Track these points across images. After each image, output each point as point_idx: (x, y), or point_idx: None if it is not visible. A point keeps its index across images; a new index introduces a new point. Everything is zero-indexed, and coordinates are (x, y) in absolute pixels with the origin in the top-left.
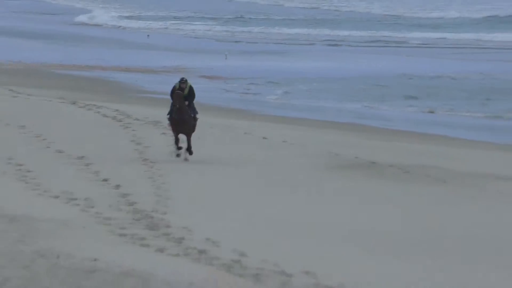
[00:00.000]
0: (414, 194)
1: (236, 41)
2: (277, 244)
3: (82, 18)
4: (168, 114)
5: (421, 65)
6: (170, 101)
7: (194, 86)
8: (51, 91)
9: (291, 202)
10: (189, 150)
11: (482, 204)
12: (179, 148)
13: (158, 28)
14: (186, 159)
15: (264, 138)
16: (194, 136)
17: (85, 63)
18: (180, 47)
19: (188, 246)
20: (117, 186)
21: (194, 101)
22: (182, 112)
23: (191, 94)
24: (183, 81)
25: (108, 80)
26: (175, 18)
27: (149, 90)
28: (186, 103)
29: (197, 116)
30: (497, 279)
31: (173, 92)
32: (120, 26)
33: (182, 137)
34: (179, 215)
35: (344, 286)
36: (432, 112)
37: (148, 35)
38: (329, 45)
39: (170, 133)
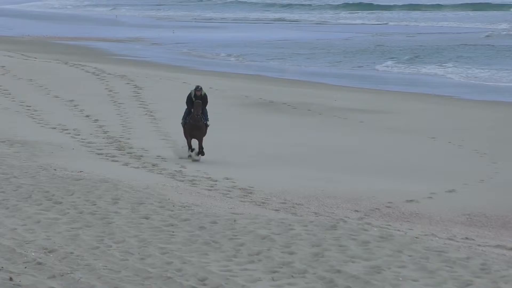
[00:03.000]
0: (300, 123)
1: (183, 20)
2: (207, 160)
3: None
4: (182, 120)
5: (305, 35)
6: (185, 107)
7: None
8: (50, 55)
9: (213, 130)
10: (200, 151)
11: (347, 129)
12: (192, 149)
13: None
14: (197, 160)
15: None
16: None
17: (73, 35)
18: (140, 24)
19: (145, 161)
20: (96, 120)
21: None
22: (198, 119)
23: (204, 101)
24: (198, 89)
25: (90, 47)
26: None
27: (117, 54)
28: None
29: (208, 123)
30: (340, 178)
31: (189, 99)
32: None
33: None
34: (139, 139)
35: (252, 187)
36: (313, 66)
37: (116, 16)
38: (248, 22)
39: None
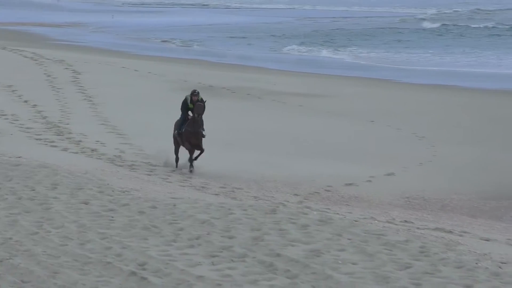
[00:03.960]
0: (239, 107)
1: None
2: (146, 145)
3: None
4: (176, 130)
5: (235, 19)
6: (179, 115)
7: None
8: None
9: (153, 113)
10: (195, 159)
11: (286, 113)
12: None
13: None
14: (191, 171)
15: (135, 70)
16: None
17: (11, 20)
18: (79, 9)
19: (84, 146)
20: (35, 105)
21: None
22: (198, 125)
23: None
24: (195, 93)
25: (28, 32)
26: None
27: (56, 39)
28: (189, 114)
29: (204, 133)
30: (280, 162)
31: (184, 106)
32: None
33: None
34: (78, 124)
35: (185, 168)
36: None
37: (58, 0)
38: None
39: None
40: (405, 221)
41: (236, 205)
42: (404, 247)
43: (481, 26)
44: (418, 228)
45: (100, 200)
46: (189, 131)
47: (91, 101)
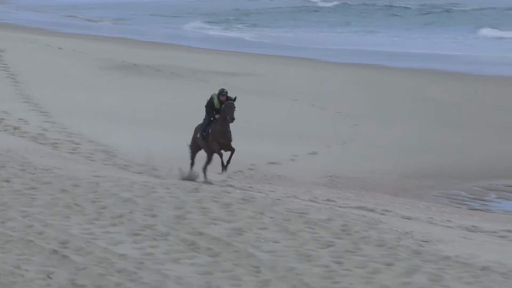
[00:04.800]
0: (163, 86)
1: None
2: (68, 123)
3: None
4: (201, 131)
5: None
6: (203, 115)
7: None
8: None
9: (77, 91)
10: (228, 161)
11: (209, 92)
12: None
13: None
14: (224, 172)
15: (59, 48)
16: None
17: None
18: None
19: (7, 124)
20: None
21: None
22: (227, 124)
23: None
24: (223, 93)
25: None
26: None
27: None
28: (217, 116)
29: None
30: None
31: (210, 106)
32: None
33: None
34: (0, 102)
35: (115, 150)
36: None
37: None
38: None
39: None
40: (328, 199)
41: (159, 184)
42: (326, 225)
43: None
44: (340, 206)
45: (22, 178)
46: (218, 129)
47: (14, 78)
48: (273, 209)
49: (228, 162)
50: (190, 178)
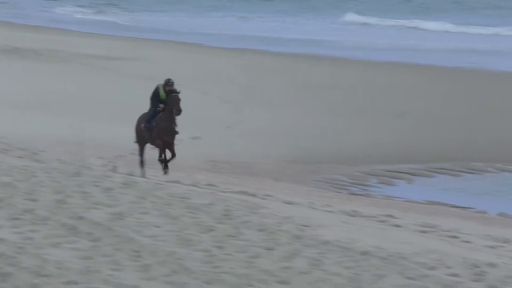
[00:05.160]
0: (46, 70)
1: None
2: None
3: None
4: (145, 122)
5: None
6: (148, 106)
7: None
8: None
9: None
10: (170, 160)
11: (92, 76)
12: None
13: None
14: (166, 173)
15: None
16: None
17: None
18: None
19: None
20: None
21: None
22: (173, 120)
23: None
24: (170, 83)
25: None
26: None
27: None
28: (162, 106)
29: (176, 129)
30: (85, 125)
31: (155, 96)
32: None
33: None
34: None
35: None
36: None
37: None
38: None
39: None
40: (210, 184)
41: (40, 168)
42: (208, 210)
43: None
44: (222, 191)
45: None
46: (163, 126)
47: None
48: (155, 194)
49: (167, 162)
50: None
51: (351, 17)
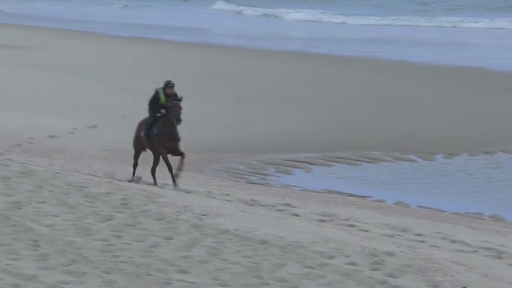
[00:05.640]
0: None
1: None
2: None
3: None
4: (145, 130)
5: None
6: (147, 113)
7: None
8: None
9: None
10: (180, 170)
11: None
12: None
13: None
14: (177, 186)
15: None
16: None
17: None
18: None
19: None
20: None
21: None
22: (174, 126)
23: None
24: (170, 84)
25: None
26: None
27: None
28: (163, 110)
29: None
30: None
31: (155, 101)
32: None
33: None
34: None
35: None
36: None
37: None
38: None
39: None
40: (107, 173)
41: None
42: (106, 199)
43: None
44: (120, 180)
45: None
46: (164, 133)
47: None
48: (53, 183)
49: (180, 169)
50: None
51: (220, 5)
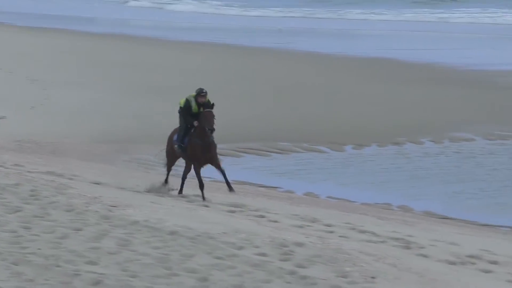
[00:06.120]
0: None
1: None
2: None
3: None
4: (178, 141)
5: None
6: (177, 124)
7: None
8: None
9: None
10: (229, 185)
11: None
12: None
13: None
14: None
15: None
16: None
17: None
18: None
19: None
20: None
21: None
22: (209, 136)
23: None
24: (202, 93)
25: None
26: None
27: None
28: (196, 123)
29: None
30: None
31: (187, 110)
32: None
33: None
34: None
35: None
36: None
37: None
38: None
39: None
40: (16, 164)
41: None
42: (15, 190)
43: None
44: (29, 171)
45: None
46: (198, 145)
47: None
48: None
49: (228, 183)
50: (161, 189)
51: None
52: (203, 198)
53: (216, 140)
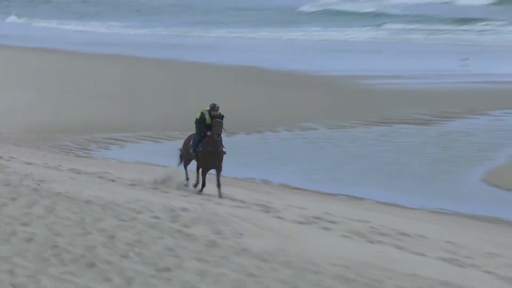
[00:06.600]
0: None
1: None
2: None
3: None
4: (193, 147)
5: None
6: (193, 131)
7: None
8: None
9: None
10: (220, 186)
11: None
12: (199, 184)
13: None
14: (220, 196)
15: None
16: None
17: None
18: None
19: None
20: None
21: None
22: (219, 144)
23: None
24: (215, 108)
25: None
26: None
27: None
28: (209, 132)
29: (225, 150)
30: None
31: (201, 121)
32: None
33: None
34: None
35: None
36: None
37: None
38: None
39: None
40: None
41: None
42: None
43: None
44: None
45: None
46: (208, 151)
47: None
48: None
49: (219, 185)
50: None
51: (12, 19)
52: (200, 191)
53: (121, 129)
